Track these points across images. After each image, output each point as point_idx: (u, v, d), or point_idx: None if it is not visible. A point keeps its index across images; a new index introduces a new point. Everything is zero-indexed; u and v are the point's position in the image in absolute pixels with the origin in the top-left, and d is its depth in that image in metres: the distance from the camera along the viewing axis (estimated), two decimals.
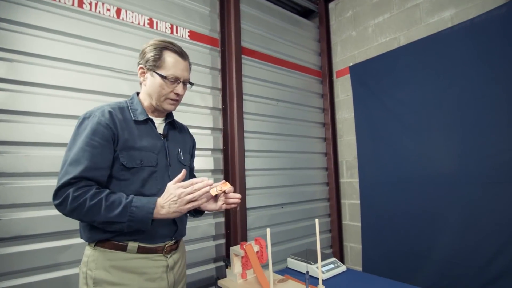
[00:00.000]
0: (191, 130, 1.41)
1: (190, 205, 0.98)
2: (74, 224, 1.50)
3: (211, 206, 1.19)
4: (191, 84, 1.21)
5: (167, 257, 1.12)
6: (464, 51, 2.00)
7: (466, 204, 1.96)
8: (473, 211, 1.93)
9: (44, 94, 1.51)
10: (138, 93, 1.21)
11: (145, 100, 1.17)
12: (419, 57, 2.24)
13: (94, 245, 1.03)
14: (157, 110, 1.18)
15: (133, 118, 1.11)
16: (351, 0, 2.84)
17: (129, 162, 1.04)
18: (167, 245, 1.11)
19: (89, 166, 0.96)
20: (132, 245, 1.04)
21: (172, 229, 1.13)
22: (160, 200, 0.99)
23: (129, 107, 1.14)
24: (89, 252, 1.04)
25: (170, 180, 1.11)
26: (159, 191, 1.06)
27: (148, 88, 1.14)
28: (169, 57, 1.11)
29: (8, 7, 1.46)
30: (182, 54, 1.14)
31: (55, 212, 1.44)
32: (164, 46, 1.12)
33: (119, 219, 0.95)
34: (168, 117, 1.24)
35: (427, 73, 2.19)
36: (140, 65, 1.14)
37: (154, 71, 1.11)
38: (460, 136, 2.01)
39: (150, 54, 1.11)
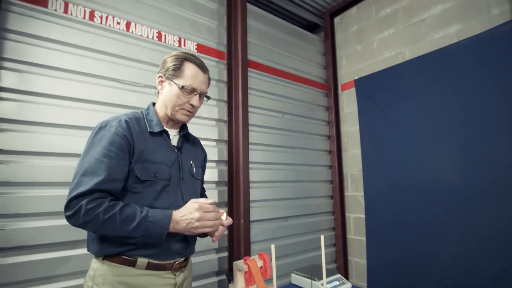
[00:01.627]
0: None
1: (205, 230, 1.02)
2: (78, 234, 1.51)
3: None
4: (208, 97, 1.21)
5: (175, 275, 1.09)
6: (469, 67, 2.00)
7: (471, 216, 1.93)
8: (478, 224, 1.89)
9: (51, 105, 1.54)
10: (154, 104, 1.21)
11: (161, 110, 1.16)
12: (424, 71, 2.25)
13: (102, 259, 1.00)
14: (171, 121, 1.17)
15: (148, 130, 1.10)
16: (356, 15, 2.87)
17: (143, 175, 1.03)
18: (176, 262, 1.09)
19: (106, 178, 0.94)
20: (142, 260, 1.01)
21: (183, 246, 1.11)
22: (176, 215, 0.99)
23: (145, 118, 1.13)
24: (96, 265, 1.01)
25: (182, 194, 1.11)
26: (171, 205, 1.06)
27: (164, 97, 1.14)
28: (189, 68, 1.12)
29: (20, 19, 1.50)
30: (202, 67, 1.15)
31: (59, 222, 1.46)
32: (185, 58, 1.13)
33: (133, 234, 0.94)
34: (183, 129, 1.24)
35: (432, 88, 2.19)
36: (160, 74, 1.15)
37: (172, 80, 1.11)
38: (464, 150, 2.00)
39: (170, 64, 1.12)
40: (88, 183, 0.92)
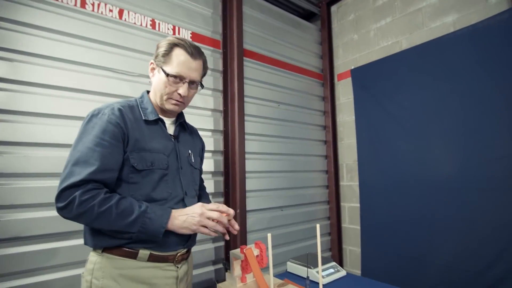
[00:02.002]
0: None
1: (203, 230, 0.99)
2: (74, 225, 1.49)
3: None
4: (202, 86, 1.14)
5: (177, 267, 1.07)
6: (466, 56, 2.00)
7: (465, 208, 1.96)
8: (472, 215, 1.93)
9: (44, 94, 1.50)
10: (148, 92, 1.16)
11: (153, 98, 1.12)
12: (420, 61, 2.24)
13: (102, 251, 0.97)
14: (164, 111, 1.12)
15: (143, 118, 1.05)
16: (353, 3, 2.84)
17: (139, 164, 0.99)
18: (178, 254, 1.06)
19: (99, 167, 0.90)
20: (144, 252, 0.98)
21: (184, 237, 1.08)
22: (176, 212, 0.98)
23: (139, 106, 1.09)
24: (94, 258, 0.97)
25: (181, 183, 1.09)
26: (170, 195, 1.04)
27: (154, 85, 1.10)
28: (178, 54, 1.04)
29: (10, 6, 1.45)
30: (192, 53, 1.06)
31: (54, 213, 1.43)
32: (175, 43, 1.05)
33: (129, 229, 0.91)
34: (179, 117, 1.19)
35: (429, 78, 2.18)
36: (151, 61, 1.10)
37: (161, 67, 1.05)
38: (460, 141, 2.01)
39: (161, 49, 1.06)
40: (81, 173, 0.88)
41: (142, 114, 1.07)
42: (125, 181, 0.99)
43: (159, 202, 1.02)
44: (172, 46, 1.05)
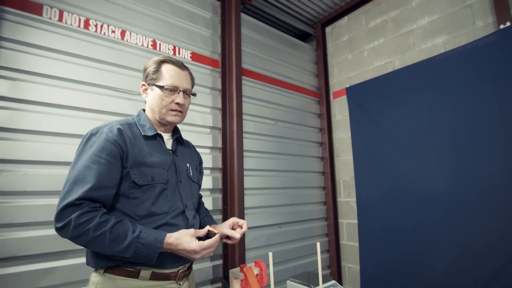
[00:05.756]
0: None
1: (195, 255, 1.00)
2: (72, 244, 1.48)
3: (233, 233, 1.18)
4: (194, 94, 1.21)
5: (179, 284, 1.08)
6: (456, 76, 2.08)
7: (461, 224, 1.98)
8: (468, 231, 1.94)
9: (45, 113, 1.52)
10: (144, 110, 1.20)
11: (150, 115, 1.16)
12: (413, 80, 2.31)
13: (103, 272, 0.97)
14: (162, 125, 1.16)
15: (142, 134, 1.09)
16: (347, 25, 2.95)
17: (140, 179, 1.01)
18: (180, 270, 1.07)
19: (95, 185, 0.91)
20: (145, 271, 0.99)
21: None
22: (169, 239, 0.96)
23: (137, 123, 1.13)
24: (96, 279, 0.98)
25: (181, 197, 1.10)
26: (170, 209, 1.05)
27: (150, 103, 1.14)
28: (167, 69, 1.12)
29: (15, 27, 1.49)
30: (180, 65, 1.15)
31: (52, 232, 1.43)
32: (162, 60, 1.14)
33: (123, 255, 0.91)
34: (175, 132, 1.24)
35: (421, 96, 2.25)
36: (142, 83, 1.17)
37: (153, 85, 1.12)
38: (453, 157, 2.05)
39: (150, 69, 1.14)
40: (78, 191, 0.90)
41: (141, 130, 1.10)
42: (126, 196, 1.00)
43: (160, 215, 1.04)
44: (160, 63, 1.14)
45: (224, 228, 1.19)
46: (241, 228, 1.20)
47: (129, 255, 0.91)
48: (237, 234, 1.16)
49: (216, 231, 1.06)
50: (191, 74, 1.21)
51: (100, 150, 0.96)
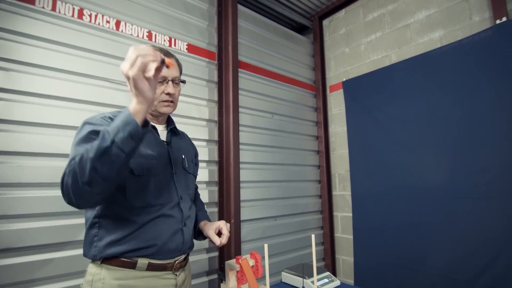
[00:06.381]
0: None
1: (148, 75, 0.80)
2: (68, 235, 1.50)
3: (214, 238, 1.15)
4: (183, 82, 1.17)
5: (176, 274, 1.08)
6: (453, 70, 2.09)
7: (456, 217, 2.01)
8: (463, 225, 1.97)
9: (40, 104, 1.50)
10: None
11: None
12: (409, 74, 2.32)
13: (101, 263, 0.98)
14: (155, 117, 1.15)
15: None
16: (344, 18, 2.93)
17: (136, 170, 1.00)
18: (176, 261, 1.08)
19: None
20: (142, 261, 0.99)
21: (179, 241, 1.08)
22: (130, 106, 0.83)
23: None
24: (94, 270, 0.98)
25: (176, 188, 1.10)
26: (166, 200, 1.05)
27: None
28: None
29: (7, 17, 1.46)
30: (166, 53, 1.10)
31: (48, 223, 1.45)
32: None
33: (106, 144, 0.78)
34: (169, 124, 1.22)
35: (417, 90, 2.26)
36: None
37: None
38: (449, 151, 2.07)
39: None
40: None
41: None
42: (122, 187, 0.99)
43: (156, 207, 1.04)
44: None
45: (210, 230, 1.18)
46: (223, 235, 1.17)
47: (110, 140, 0.78)
48: (217, 242, 1.15)
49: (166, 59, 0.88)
50: (177, 61, 1.17)
51: (91, 132, 0.92)
